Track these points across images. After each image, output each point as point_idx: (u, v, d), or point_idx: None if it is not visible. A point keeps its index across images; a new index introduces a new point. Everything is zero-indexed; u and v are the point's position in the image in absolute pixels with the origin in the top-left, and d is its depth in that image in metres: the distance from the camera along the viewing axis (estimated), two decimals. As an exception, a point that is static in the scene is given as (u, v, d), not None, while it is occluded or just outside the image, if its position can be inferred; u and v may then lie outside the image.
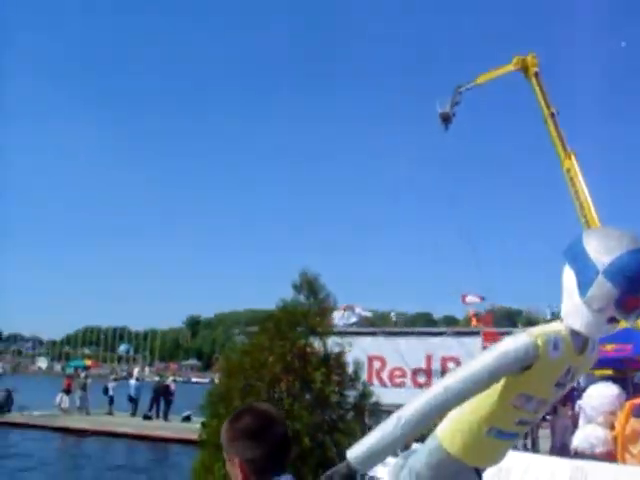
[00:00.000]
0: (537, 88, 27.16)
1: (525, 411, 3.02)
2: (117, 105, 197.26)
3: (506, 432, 3.11)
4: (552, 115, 26.58)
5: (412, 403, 3.05)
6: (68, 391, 29.90)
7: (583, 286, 2.75)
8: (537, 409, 3.09)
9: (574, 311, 2.83)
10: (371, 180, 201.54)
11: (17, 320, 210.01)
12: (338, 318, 30.44)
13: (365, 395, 8.01)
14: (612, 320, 2.76)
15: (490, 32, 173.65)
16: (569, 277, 2.85)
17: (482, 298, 30.95)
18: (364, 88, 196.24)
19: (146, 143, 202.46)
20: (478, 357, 3.06)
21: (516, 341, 2.87)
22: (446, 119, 30.41)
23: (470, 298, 31.22)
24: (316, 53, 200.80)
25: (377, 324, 31.98)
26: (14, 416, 27.10)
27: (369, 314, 31.04)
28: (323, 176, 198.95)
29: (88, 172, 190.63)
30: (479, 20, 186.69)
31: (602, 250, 2.71)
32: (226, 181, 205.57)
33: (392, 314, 35.26)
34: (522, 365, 2.86)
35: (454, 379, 2.95)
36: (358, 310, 29.03)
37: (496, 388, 2.96)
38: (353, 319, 29.28)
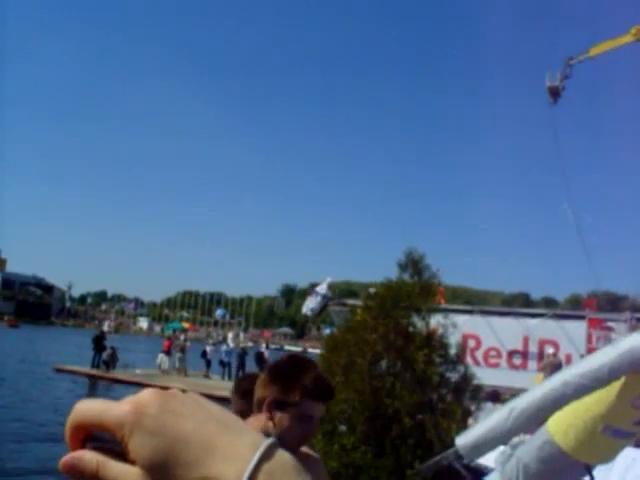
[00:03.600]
0: (658, 61, 25.87)
1: None
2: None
3: (622, 431, 3.01)
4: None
5: (527, 394, 3.01)
6: (168, 352, 30.92)
7: None
8: None
9: None
10: (467, 157, 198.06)
11: (121, 281, 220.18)
12: (311, 303, 30.75)
13: (467, 378, 7.95)
14: None
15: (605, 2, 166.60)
16: None
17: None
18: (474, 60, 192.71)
19: (260, 118, 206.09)
20: (599, 352, 2.98)
21: None
22: (555, 93, 29.38)
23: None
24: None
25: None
26: (118, 373, 28.46)
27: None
28: (428, 148, 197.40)
29: (192, 143, 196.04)
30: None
31: None
32: (330, 153, 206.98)
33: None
34: None
35: (573, 373, 2.89)
36: (320, 288, 28.96)
37: (616, 386, 2.87)
38: (318, 299, 29.22)
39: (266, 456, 0.51)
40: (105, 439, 0.54)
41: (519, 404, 2.96)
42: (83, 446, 0.54)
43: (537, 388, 2.99)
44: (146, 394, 0.55)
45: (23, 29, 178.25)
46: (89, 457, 0.53)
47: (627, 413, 2.94)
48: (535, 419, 3.03)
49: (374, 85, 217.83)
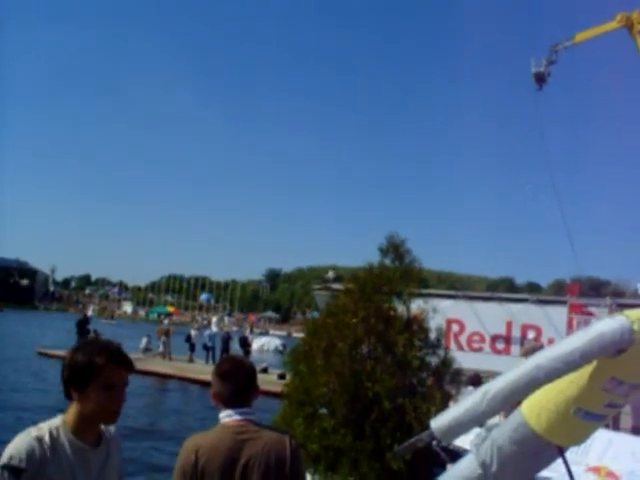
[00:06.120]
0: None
1: (615, 395, 2.96)
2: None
3: (593, 414, 3.06)
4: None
5: (501, 378, 3.04)
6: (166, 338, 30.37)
7: None
8: (628, 393, 3.02)
9: None
10: (451, 141, 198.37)
11: (105, 265, 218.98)
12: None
13: (446, 362, 7.99)
14: None
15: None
16: None
17: None
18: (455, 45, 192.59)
19: (246, 97, 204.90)
20: (572, 336, 3.01)
21: (612, 324, 2.80)
22: (540, 79, 29.45)
23: None
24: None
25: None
26: (102, 357, 28.26)
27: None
28: (409, 140, 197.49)
29: (173, 126, 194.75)
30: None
31: None
32: (316, 136, 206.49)
33: None
34: (616, 349, 2.79)
35: (546, 357, 2.92)
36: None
37: (587, 369, 2.91)
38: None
39: None
40: None
41: (493, 387, 2.99)
42: None
43: (511, 371, 3.02)
44: None
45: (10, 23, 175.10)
46: None
47: (598, 396, 2.98)
48: (509, 402, 3.06)
49: (356, 70, 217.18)
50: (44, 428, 2.34)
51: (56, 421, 2.39)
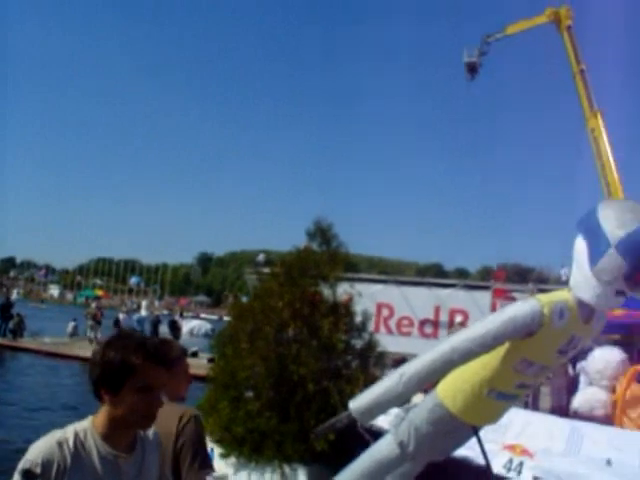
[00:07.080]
0: (568, 42, 26.49)
1: (526, 375, 3.07)
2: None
3: (506, 394, 3.17)
4: (581, 72, 26.03)
5: (416, 359, 3.10)
6: (99, 322, 29.53)
7: (594, 258, 2.74)
8: (538, 374, 3.14)
9: (583, 282, 2.83)
10: (389, 125, 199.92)
11: (31, 247, 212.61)
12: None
13: (371, 345, 8.09)
14: (620, 293, 2.77)
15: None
16: (581, 248, 2.85)
17: None
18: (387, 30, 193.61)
19: (199, 83, 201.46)
20: (485, 319, 3.10)
21: (523, 307, 2.90)
22: (472, 69, 29.89)
23: None
24: None
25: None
26: (26, 341, 27.58)
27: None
28: (344, 121, 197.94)
29: (120, 102, 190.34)
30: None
31: (616, 223, 2.68)
32: (250, 118, 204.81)
33: None
34: (527, 331, 2.89)
35: (460, 339, 3.00)
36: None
37: (499, 351, 3.01)
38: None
39: None
40: None
41: (409, 369, 3.05)
42: None
43: (427, 353, 3.09)
44: None
45: None
46: None
47: (510, 377, 3.08)
48: (424, 383, 3.13)
49: (286, 53, 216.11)
50: (69, 431, 2.11)
51: (84, 424, 2.15)
